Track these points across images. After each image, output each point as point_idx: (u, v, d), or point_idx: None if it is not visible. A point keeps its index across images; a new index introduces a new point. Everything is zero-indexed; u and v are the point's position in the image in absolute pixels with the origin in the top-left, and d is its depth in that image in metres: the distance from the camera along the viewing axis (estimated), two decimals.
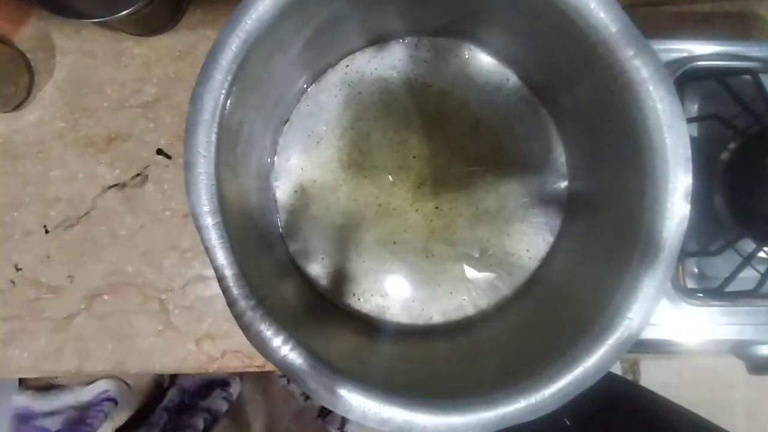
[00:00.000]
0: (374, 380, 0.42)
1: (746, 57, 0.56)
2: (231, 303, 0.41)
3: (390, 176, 0.60)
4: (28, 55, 0.67)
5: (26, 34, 0.67)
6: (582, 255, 0.54)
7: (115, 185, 0.67)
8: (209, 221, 0.41)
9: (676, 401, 0.65)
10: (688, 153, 0.41)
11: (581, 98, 0.53)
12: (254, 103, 0.48)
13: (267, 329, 0.41)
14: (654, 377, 1.46)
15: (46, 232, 0.66)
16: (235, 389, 1.24)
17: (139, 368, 0.65)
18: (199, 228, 0.41)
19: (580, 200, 0.58)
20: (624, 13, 0.41)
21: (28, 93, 0.67)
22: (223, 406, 1.16)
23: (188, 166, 0.41)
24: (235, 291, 0.41)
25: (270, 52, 0.46)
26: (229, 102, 0.42)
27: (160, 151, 0.66)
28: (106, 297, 0.66)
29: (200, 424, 1.06)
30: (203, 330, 0.66)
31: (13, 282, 0.66)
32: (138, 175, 0.67)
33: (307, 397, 1.47)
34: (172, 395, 1.03)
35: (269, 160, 0.60)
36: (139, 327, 0.66)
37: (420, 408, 0.41)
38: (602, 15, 0.41)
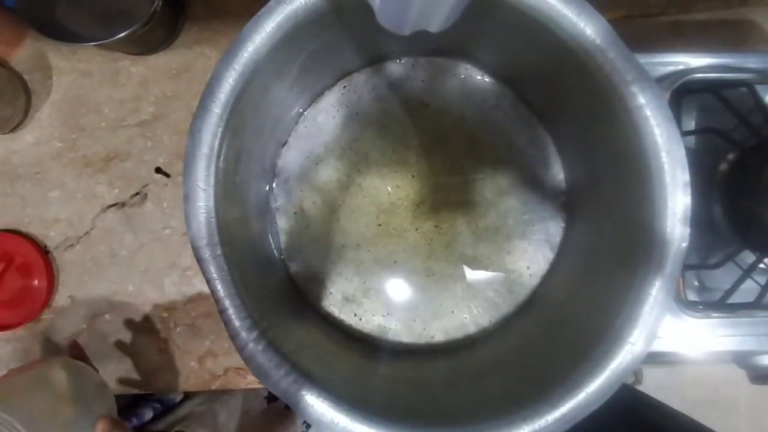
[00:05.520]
0: (376, 406, 0.43)
1: (742, 69, 0.56)
2: (233, 336, 0.41)
3: (389, 196, 0.60)
4: (24, 77, 0.67)
5: (22, 56, 0.67)
6: (582, 274, 0.54)
7: (115, 204, 0.67)
8: (209, 254, 0.41)
9: (678, 401, 0.65)
10: (687, 177, 0.41)
11: (579, 121, 0.53)
12: (253, 131, 0.49)
13: (270, 361, 0.41)
14: (656, 377, 1.45)
15: (47, 252, 0.66)
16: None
17: (142, 387, 0.66)
18: (200, 260, 0.41)
19: (580, 218, 0.58)
20: (620, 40, 0.41)
21: (26, 114, 0.67)
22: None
23: (188, 200, 0.41)
24: (237, 323, 0.41)
25: (267, 81, 0.46)
26: (227, 134, 0.42)
27: (158, 170, 0.66)
28: (107, 316, 0.66)
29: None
30: (205, 347, 0.66)
31: None
32: (137, 194, 0.67)
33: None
34: None
35: (268, 183, 0.60)
36: (140, 346, 0.66)
37: None
38: (598, 42, 0.41)
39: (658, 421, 0.65)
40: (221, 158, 0.42)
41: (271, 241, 0.60)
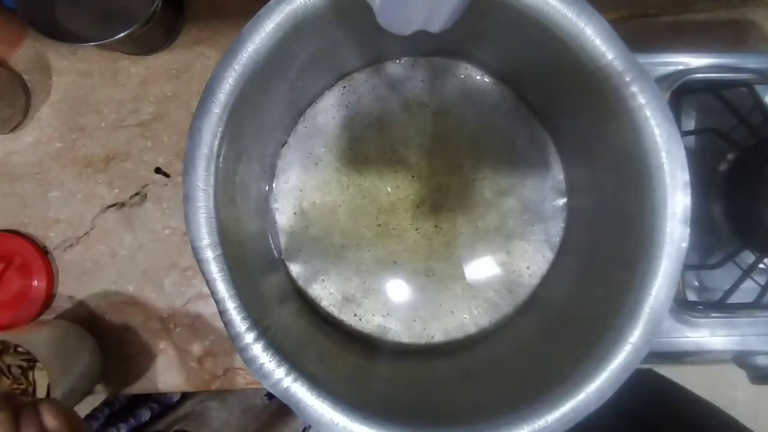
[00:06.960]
0: (376, 407, 0.43)
1: (742, 69, 0.56)
2: (233, 336, 0.41)
3: (389, 196, 0.60)
4: (24, 77, 0.67)
5: (22, 56, 0.67)
6: (582, 274, 0.54)
7: (114, 205, 0.67)
8: (209, 254, 0.41)
9: None
10: (687, 177, 0.41)
11: (579, 121, 0.53)
12: (252, 131, 0.49)
13: (269, 362, 0.41)
14: None
15: (46, 253, 0.66)
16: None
17: (141, 388, 0.66)
18: (200, 261, 0.41)
19: (580, 219, 0.58)
20: (620, 40, 0.41)
21: (26, 114, 0.67)
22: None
23: (188, 200, 0.41)
24: (237, 324, 0.41)
25: (267, 81, 0.45)
26: (227, 134, 0.42)
27: (158, 170, 0.66)
28: (107, 317, 0.66)
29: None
30: (205, 348, 0.66)
31: None
32: (137, 194, 0.67)
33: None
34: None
35: (268, 183, 0.60)
36: (140, 346, 0.66)
37: None
38: (598, 42, 0.41)
39: (680, 403, 0.65)
40: (221, 158, 0.42)
41: (271, 241, 0.60)
